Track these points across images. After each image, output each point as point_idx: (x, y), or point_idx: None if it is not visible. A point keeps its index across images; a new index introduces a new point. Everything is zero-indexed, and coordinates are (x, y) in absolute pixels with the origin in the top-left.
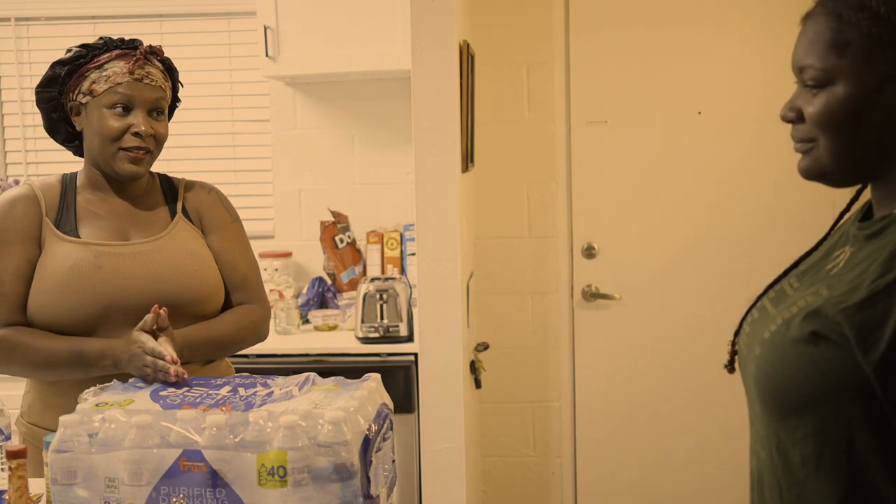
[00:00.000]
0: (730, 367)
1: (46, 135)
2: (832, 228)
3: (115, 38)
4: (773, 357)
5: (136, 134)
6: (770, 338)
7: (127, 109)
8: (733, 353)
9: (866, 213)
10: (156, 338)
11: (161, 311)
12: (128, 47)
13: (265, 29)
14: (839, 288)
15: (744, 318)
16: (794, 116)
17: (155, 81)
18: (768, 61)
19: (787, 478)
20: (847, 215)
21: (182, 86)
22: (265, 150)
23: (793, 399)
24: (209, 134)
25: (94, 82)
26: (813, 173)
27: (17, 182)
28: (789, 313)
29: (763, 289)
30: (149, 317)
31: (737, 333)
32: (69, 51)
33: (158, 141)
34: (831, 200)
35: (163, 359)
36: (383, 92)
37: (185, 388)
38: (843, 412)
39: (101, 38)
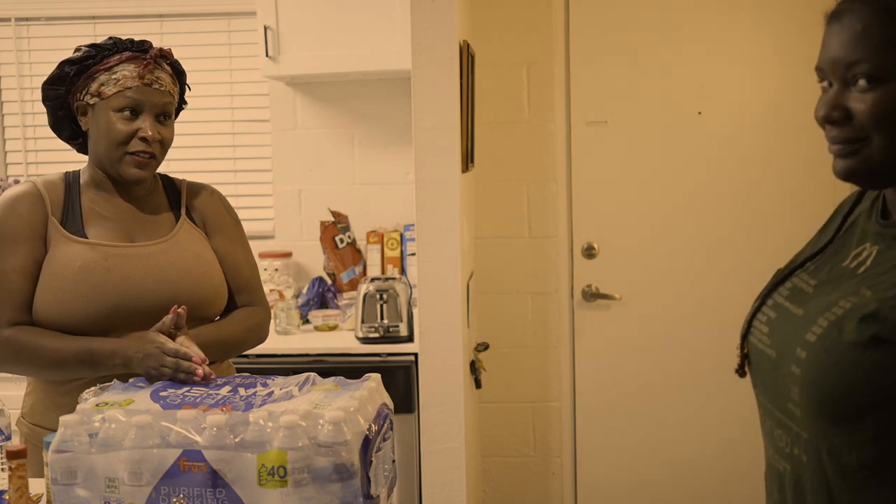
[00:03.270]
0: (741, 371)
1: (46, 135)
2: (840, 227)
3: (124, 38)
4: (827, 361)
5: (143, 139)
6: (819, 341)
7: (135, 113)
8: (744, 357)
9: (882, 211)
10: (172, 338)
11: (180, 310)
12: (138, 49)
13: (265, 29)
14: (887, 289)
15: (751, 319)
16: (840, 116)
17: (164, 86)
18: (769, 61)
19: (840, 482)
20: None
21: (189, 88)
22: (265, 150)
23: (852, 404)
24: (209, 134)
25: (102, 84)
26: (859, 174)
27: (17, 182)
28: (834, 315)
29: (765, 288)
30: (168, 318)
31: (745, 336)
32: (78, 50)
33: (164, 146)
34: (832, 199)
35: (187, 359)
36: (383, 92)
37: (185, 388)
38: None
39: (110, 39)
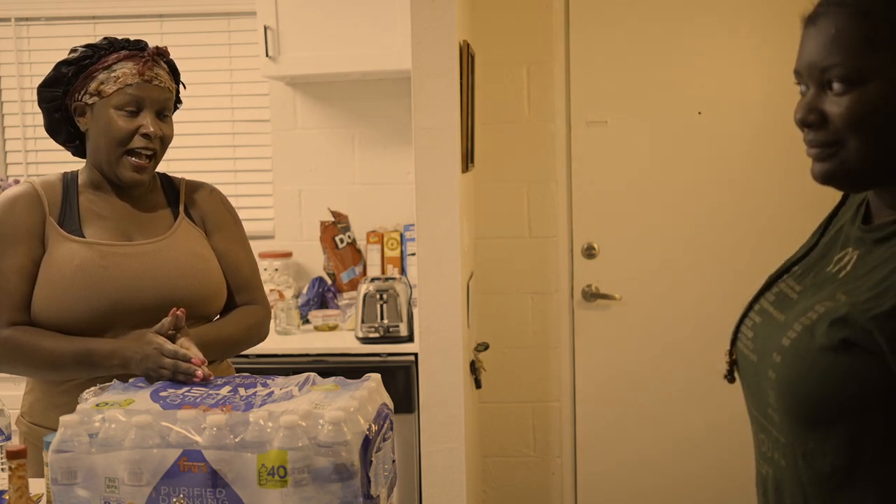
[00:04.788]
0: (729, 376)
1: (46, 135)
2: (823, 232)
3: (120, 38)
4: (801, 366)
5: (145, 135)
6: (792, 346)
7: (136, 110)
8: (732, 363)
9: (865, 216)
10: (172, 339)
11: (179, 312)
12: (134, 48)
13: (265, 29)
14: (861, 293)
15: (739, 324)
16: (815, 119)
17: (163, 83)
18: (768, 61)
19: (815, 487)
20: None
21: (184, 87)
22: (265, 150)
23: (824, 409)
24: (209, 134)
25: (102, 83)
26: (837, 177)
27: (17, 182)
28: (809, 320)
29: (753, 294)
30: (167, 320)
31: (734, 341)
32: (74, 51)
33: (164, 142)
34: (831, 200)
35: (187, 360)
36: (383, 92)
37: (185, 388)
38: (878, 420)
39: (105, 39)
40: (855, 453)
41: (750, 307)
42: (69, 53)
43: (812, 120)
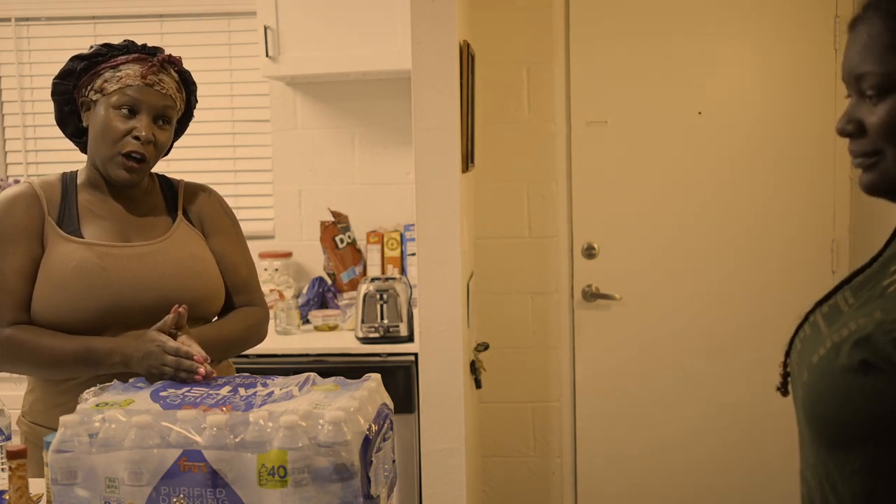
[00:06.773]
0: (783, 389)
1: (46, 135)
2: (890, 241)
3: (139, 42)
4: (822, 385)
5: (136, 137)
6: (818, 363)
7: (133, 112)
8: (786, 375)
9: None
10: (173, 337)
11: (181, 309)
12: (148, 53)
13: (265, 29)
14: (893, 312)
15: (795, 335)
16: (854, 129)
17: (165, 89)
18: (769, 62)
19: None
20: None
21: (197, 101)
22: (265, 150)
23: (841, 432)
24: (209, 134)
25: (106, 81)
26: (880, 188)
27: (17, 182)
28: (840, 336)
29: (813, 303)
30: (169, 317)
31: (788, 352)
32: (91, 47)
33: (158, 149)
34: (831, 202)
35: (189, 357)
36: (383, 92)
37: (185, 388)
38: (894, 448)
39: (125, 41)
40: (871, 482)
41: (806, 318)
42: (88, 49)
43: (850, 130)
